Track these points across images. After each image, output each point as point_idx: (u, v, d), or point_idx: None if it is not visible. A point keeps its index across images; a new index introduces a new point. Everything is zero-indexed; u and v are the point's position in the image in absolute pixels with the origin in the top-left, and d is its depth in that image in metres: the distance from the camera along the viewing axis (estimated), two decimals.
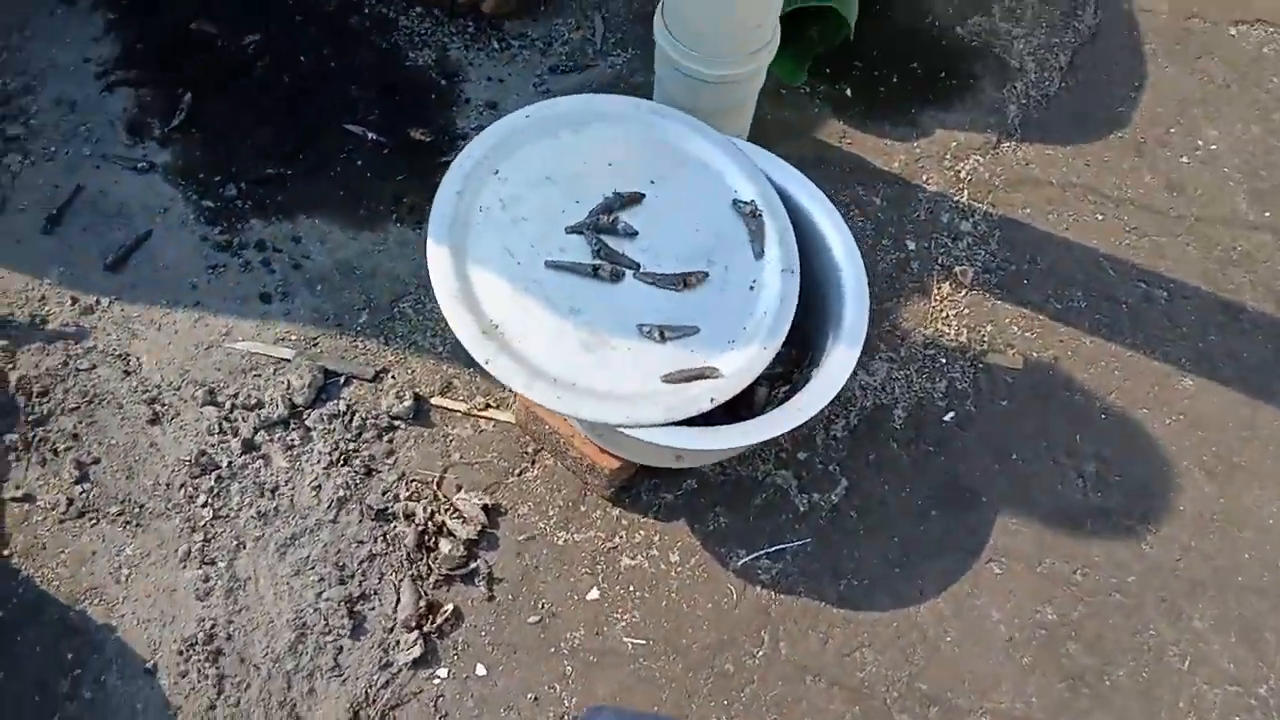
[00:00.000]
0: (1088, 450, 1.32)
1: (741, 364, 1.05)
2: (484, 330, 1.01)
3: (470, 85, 1.53)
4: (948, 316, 1.42)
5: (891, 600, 1.22)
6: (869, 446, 1.32)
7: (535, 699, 1.13)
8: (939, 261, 1.46)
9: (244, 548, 1.18)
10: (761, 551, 1.24)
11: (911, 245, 1.47)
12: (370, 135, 1.46)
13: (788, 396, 1.12)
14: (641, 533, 1.24)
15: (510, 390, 1.10)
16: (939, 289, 1.44)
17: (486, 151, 1.11)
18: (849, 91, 1.60)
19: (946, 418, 1.34)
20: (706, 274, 1.09)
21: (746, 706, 1.15)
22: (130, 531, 1.18)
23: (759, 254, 1.12)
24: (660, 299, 1.08)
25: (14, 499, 1.18)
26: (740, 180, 1.16)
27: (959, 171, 1.54)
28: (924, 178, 1.53)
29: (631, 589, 1.21)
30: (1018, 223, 1.50)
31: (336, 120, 1.48)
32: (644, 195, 1.12)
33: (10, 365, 1.26)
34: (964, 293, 1.44)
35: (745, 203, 1.14)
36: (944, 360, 1.39)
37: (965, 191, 1.52)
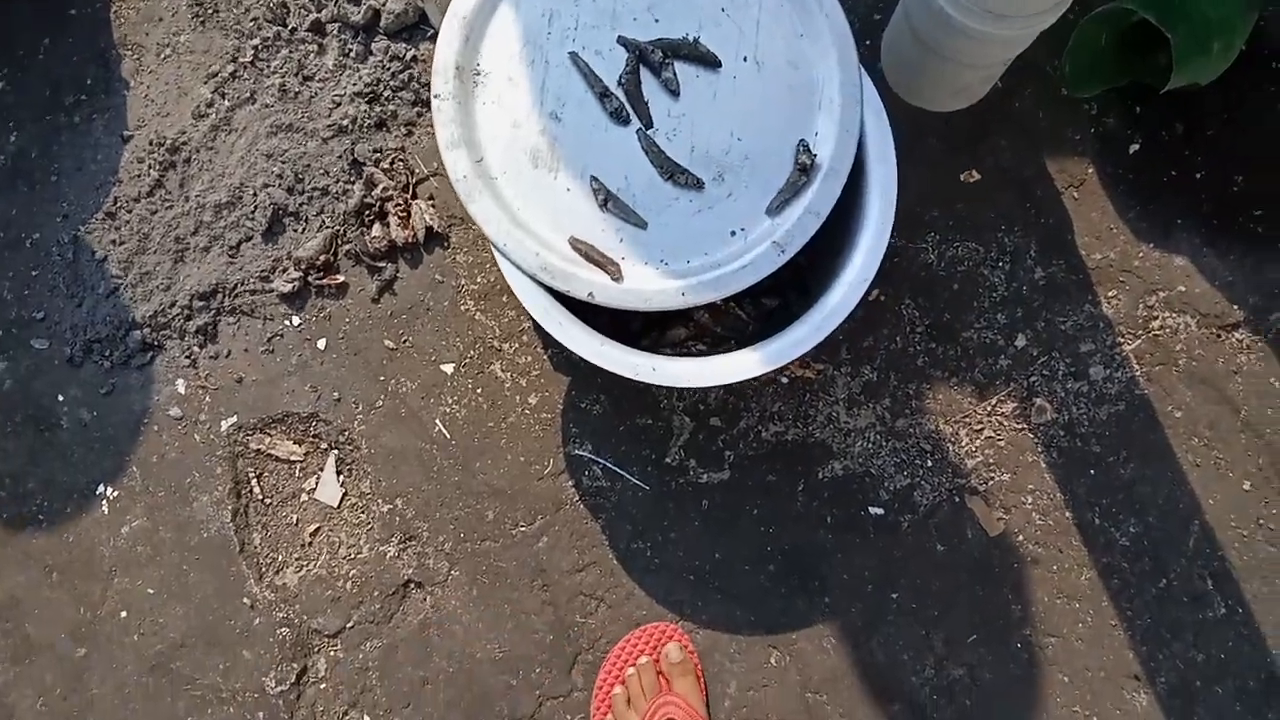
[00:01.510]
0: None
1: (649, 289, 0.92)
2: (459, 66, 0.92)
3: None
4: (977, 431, 1.19)
5: (663, 593, 1.15)
6: (778, 463, 1.18)
7: (338, 399, 1.19)
8: (1028, 379, 1.19)
9: (252, 103, 1.24)
10: (603, 460, 1.18)
11: (1020, 342, 1.20)
12: None
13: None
14: (529, 360, 1.20)
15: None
16: (999, 402, 1.19)
17: None
18: (1134, 146, 1.24)
19: (873, 510, 1.17)
20: (701, 186, 0.93)
21: (469, 554, 1.16)
22: (195, 25, 1.26)
23: (773, 210, 0.94)
24: (639, 170, 0.93)
25: None
26: (829, 122, 0.94)
27: (1151, 318, 1.20)
28: (1109, 290, 1.21)
29: (478, 392, 1.19)
30: (1150, 420, 1.19)
31: None
32: (721, 65, 0.95)
33: None
34: (1020, 427, 1.19)
35: (810, 153, 0.93)
36: (931, 464, 1.18)
37: (1136, 343, 1.20)
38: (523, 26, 0.93)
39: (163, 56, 1.24)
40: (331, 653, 1.16)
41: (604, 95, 0.93)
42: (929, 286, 1.21)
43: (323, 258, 1.19)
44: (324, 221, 1.21)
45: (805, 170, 0.93)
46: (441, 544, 1.16)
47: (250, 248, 1.21)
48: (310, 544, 1.17)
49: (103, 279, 1.19)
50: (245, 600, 1.16)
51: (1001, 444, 1.19)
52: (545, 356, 1.20)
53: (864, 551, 1.16)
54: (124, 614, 1.17)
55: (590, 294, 0.91)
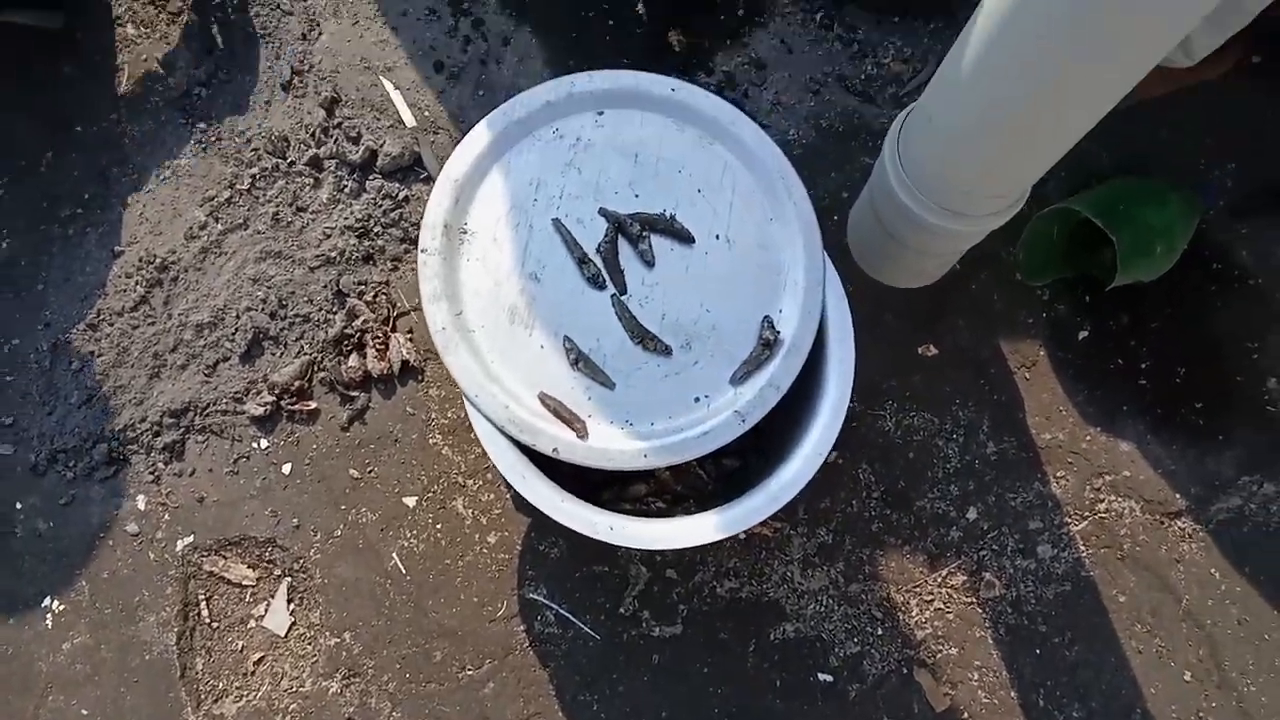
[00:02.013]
0: None
1: (613, 448, 0.95)
2: (448, 224, 0.97)
3: (760, 31, 1.40)
4: (927, 602, 1.21)
5: None
6: (731, 621, 1.19)
7: (297, 526, 1.19)
8: (978, 553, 1.22)
9: (244, 229, 1.28)
10: (557, 606, 1.18)
11: (971, 514, 1.24)
12: (640, 6, 1.39)
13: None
14: (492, 498, 1.22)
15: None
16: (949, 574, 1.22)
17: (608, 94, 1.02)
18: (1083, 333, 1.30)
19: (822, 676, 1.18)
20: (669, 352, 0.97)
21: (413, 695, 1.15)
22: (197, 150, 1.31)
23: (737, 380, 0.98)
24: (610, 333, 0.97)
25: (156, 59, 1.34)
26: (793, 302, 1.00)
27: (1098, 500, 1.24)
28: (1058, 470, 1.25)
29: (438, 527, 1.20)
30: (1095, 603, 1.21)
31: None
32: (695, 241, 1.01)
33: None
34: (969, 601, 1.21)
35: (775, 330, 0.98)
36: (882, 633, 1.19)
37: (1083, 525, 1.24)
38: (511, 192, 0.98)
39: (162, 178, 1.28)
40: None
41: (583, 261, 0.97)
42: (886, 453, 1.25)
43: (297, 383, 1.22)
44: (303, 348, 1.23)
45: (769, 345, 0.97)
46: (386, 683, 1.15)
47: (227, 368, 1.23)
48: (253, 673, 1.15)
49: (76, 389, 1.21)
50: None
51: (950, 616, 1.21)
52: (508, 495, 1.21)
53: (812, 719, 1.16)
54: None
55: (555, 450, 0.94)
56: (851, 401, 1.26)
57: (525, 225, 0.98)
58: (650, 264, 0.99)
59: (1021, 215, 1.25)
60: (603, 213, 0.99)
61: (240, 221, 1.28)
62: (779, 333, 0.98)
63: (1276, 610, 1.21)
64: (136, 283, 1.24)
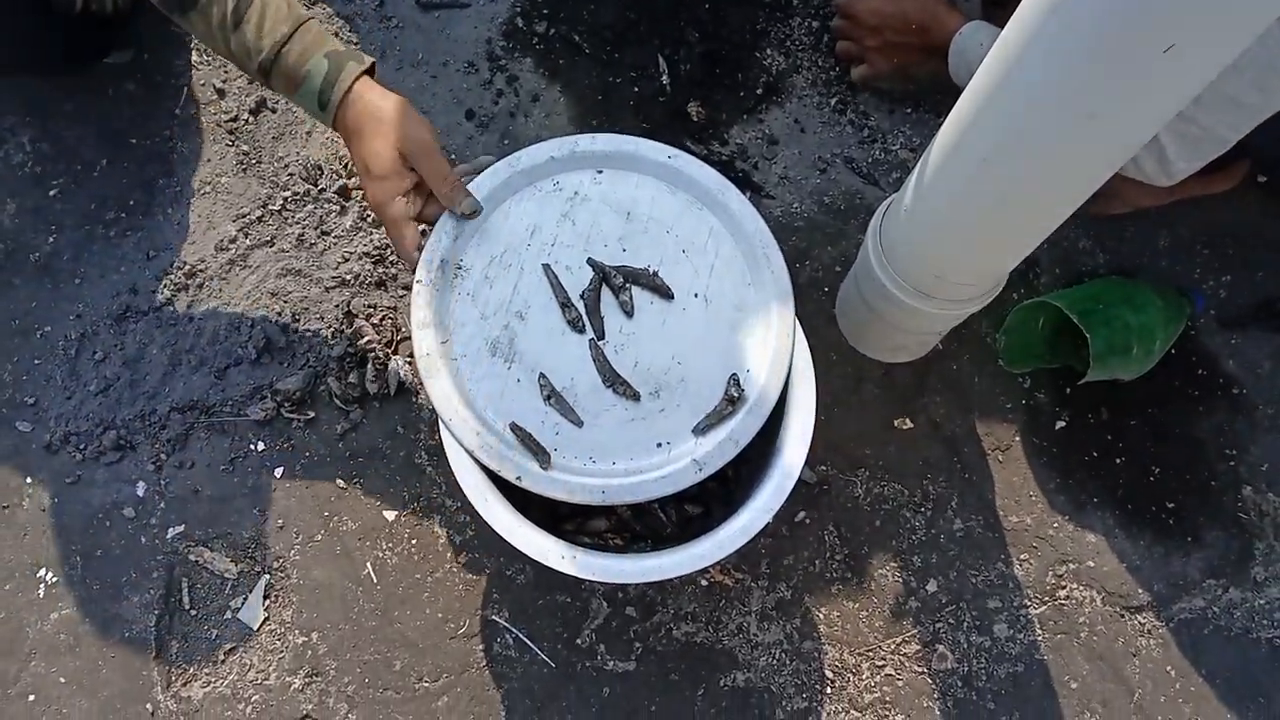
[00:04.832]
0: None
1: (574, 481, 0.99)
2: (445, 259, 1.02)
3: (776, 110, 1.47)
4: (879, 667, 1.23)
5: None
6: (684, 663, 1.22)
7: (281, 526, 1.26)
8: (935, 624, 1.24)
9: (270, 246, 1.37)
10: (516, 630, 1.22)
11: (931, 587, 1.26)
12: (664, 76, 1.47)
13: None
14: (467, 520, 1.27)
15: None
16: (903, 642, 1.24)
17: (608, 155, 1.09)
18: (1060, 423, 1.33)
19: None
20: (638, 398, 1.03)
21: (369, 700, 1.19)
22: (237, 170, 1.41)
23: (699, 431, 1.03)
24: (584, 374, 1.03)
25: (215, 85, 1.45)
26: (761, 363, 1.05)
27: (1059, 587, 1.26)
28: (1022, 553, 1.27)
29: (413, 542, 1.26)
30: (1046, 686, 1.22)
31: (658, 44, 1.49)
32: (674, 297, 1.07)
33: None
34: (921, 671, 1.23)
35: (740, 388, 1.03)
36: (830, 692, 1.21)
37: (1042, 609, 1.25)
38: (507, 235, 1.05)
39: (202, 192, 1.38)
40: None
41: (565, 305, 1.04)
42: (853, 518, 1.28)
43: (299, 393, 1.29)
44: (309, 360, 1.31)
45: (733, 401, 1.03)
46: (345, 685, 1.20)
47: (236, 373, 1.31)
48: (223, 662, 1.21)
49: (96, 377, 1.29)
50: (148, 706, 1.19)
51: (900, 684, 1.23)
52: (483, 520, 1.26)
53: None
54: (31, 698, 1.20)
55: (519, 478, 0.99)
56: (824, 465, 1.31)
57: (517, 266, 1.05)
58: (630, 314, 1.05)
59: (1006, 300, 1.30)
60: (590, 262, 1.06)
61: (268, 239, 1.37)
62: (744, 391, 1.03)
63: (1229, 713, 1.22)
64: (165, 286, 1.33)
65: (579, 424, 1.02)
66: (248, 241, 1.36)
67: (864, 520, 1.29)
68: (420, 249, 1.02)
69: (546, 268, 1.04)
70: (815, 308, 1.37)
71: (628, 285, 1.05)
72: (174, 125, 1.42)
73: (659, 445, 1.03)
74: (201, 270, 1.35)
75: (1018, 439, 1.33)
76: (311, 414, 1.30)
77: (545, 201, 1.06)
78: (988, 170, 0.87)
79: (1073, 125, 0.76)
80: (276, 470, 1.27)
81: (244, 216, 1.37)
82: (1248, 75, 0.98)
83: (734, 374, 1.04)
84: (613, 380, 1.02)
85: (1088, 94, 0.73)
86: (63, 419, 1.28)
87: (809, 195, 1.42)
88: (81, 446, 1.27)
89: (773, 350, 1.04)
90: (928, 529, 1.28)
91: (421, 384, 1.28)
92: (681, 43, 1.49)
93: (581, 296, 1.04)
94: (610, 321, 1.04)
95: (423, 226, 1.06)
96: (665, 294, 1.05)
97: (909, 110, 1.48)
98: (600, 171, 1.08)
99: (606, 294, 1.05)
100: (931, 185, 0.98)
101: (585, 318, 1.03)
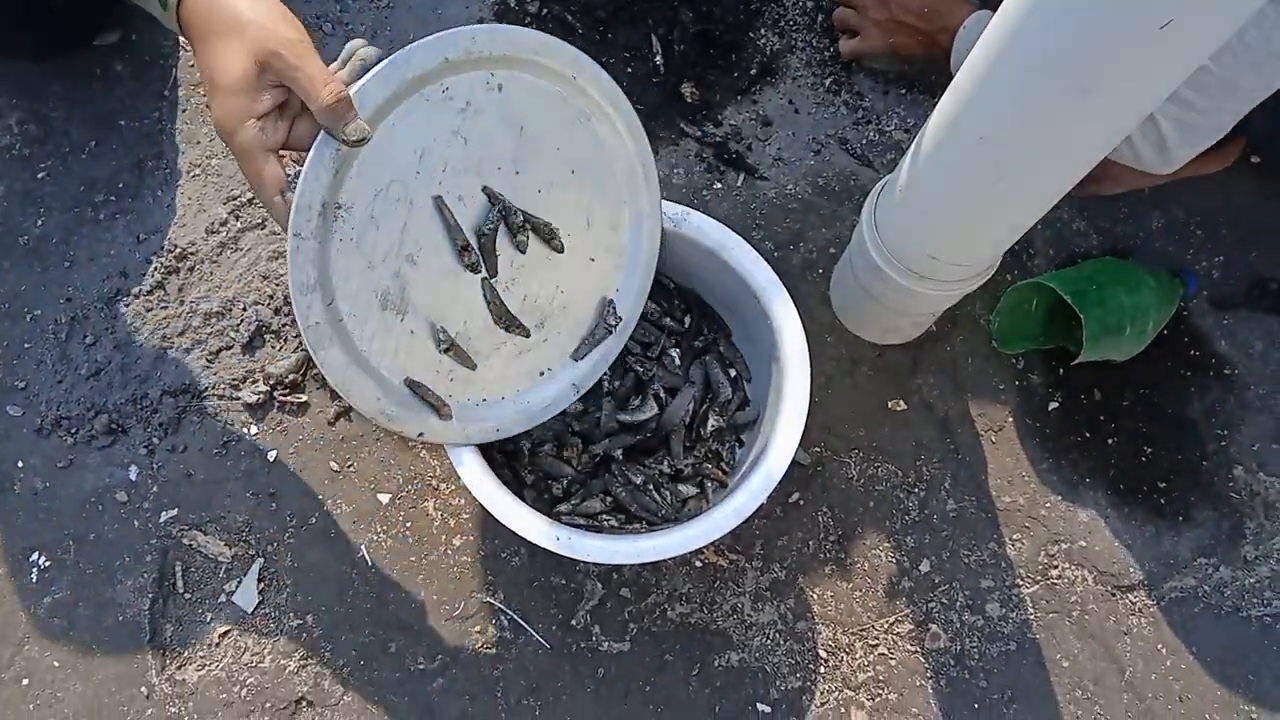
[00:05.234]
0: None
1: (470, 425, 1.01)
2: (325, 202, 0.81)
3: (770, 90, 1.46)
4: (871, 646, 1.23)
5: None
6: (678, 644, 1.22)
7: (274, 510, 1.25)
8: (928, 604, 1.25)
9: (261, 229, 1.35)
10: (511, 612, 1.22)
11: (924, 567, 1.27)
12: (658, 57, 1.46)
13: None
14: (462, 503, 1.27)
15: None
16: (896, 621, 1.24)
17: (507, 57, 0.90)
18: (1053, 404, 1.34)
19: (761, 706, 1.20)
20: (528, 334, 1.03)
21: (365, 682, 1.19)
22: (227, 151, 1.38)
23: (578, 355, 1.06)
24: (476, 315, 0.98)
25: None
26: (630, 282, 1.08)
27: (1051, 566, 1.27)
28: (1014, 533, 1.28)
29: (407, 525, 1.26)
30: (1038, 664, 1.23)
31: (651, 24, 1.48)
32: (564, 250, 1.02)
33: None
34: (914, 650, 1.23)
35: (616, 315, 1.07)
36: (824, 671, 1.22)
37: (1034, 588, 1.26)
38: (394, 162, 0.86)
39: (192, 174, 1.37)
40: None
41: (465, 249, 0.93)
42: (847, 499, 1.29)
43: (291, 376, 1.28)
44: (301, 343, 1.30)
45: (611, 329, 1.07)
46: (340, 667, 1.20)
47: (229, 356, 1.30)
48: (218, 645, 1.21)
49: (87, 361, 1.28)
50: (143, 689, 1.19)
51: (893, 663, 1.23)
52: (477, 502, 1.26)
53: None
54: (25, 681, 1.19)
55: (420, 434, 0.98)
56: (818, 447, 1.31)
57: (406, 201, 0.88)
58: (524, 249, 0.99)
59: (1001, 280, 1.30)
60: (488, 195, 0.94)
61: (258, 222, 1.36)
62: (620, 317, 1.08)
63: (1219, 690, 1.23)
64: (155, 269, 1.32)
65: (473, 367, 1.00)
66: (239, 224, 1.35)
67: (857, 501, 1.29)
68: (286, 190, 0.80)
69: (439, 201, 0.90)
70: (809, 290, 1.36)
71: (526, 225, 0.97)
72: (163, 107, 1.41)
73: (541, 374, 1.06)
74: (192, 253, 1.34)
75: (1010, 420, 1.33)
76: (304, 397, 1.29)
77: (434, 114, 0.87)
78: (983, 148, 0.87)
79: (1070, 102, 0.76)
80: (270, 454, 1.27)
81: (235, 199, 1.36)
82: (1245, 58, 0.98)
83: (610, 299, 1.06)
84: (507, 321, 1.01)
85: (1085, 70, 0.72)
86: (54, 403, 1.27)
87: (803, 177, 1.42)
88: (73, 430, 1.26)
89: (641, 271, 1.08)
90: (921, 509, 1.29)
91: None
92: (675, 23, 1.48)
93: (477, 234, 0.94)
94: (502, 258, 0.98)
95: (287, 160, 0.83)
96: (559, 249, 1.02)
97: (904, 91, 1.47)
98: (493, 74, 0.90)
99: (503, 230, 0.97)
100: (927, 165, 0.98)
101: (481, 258, 0.96)
